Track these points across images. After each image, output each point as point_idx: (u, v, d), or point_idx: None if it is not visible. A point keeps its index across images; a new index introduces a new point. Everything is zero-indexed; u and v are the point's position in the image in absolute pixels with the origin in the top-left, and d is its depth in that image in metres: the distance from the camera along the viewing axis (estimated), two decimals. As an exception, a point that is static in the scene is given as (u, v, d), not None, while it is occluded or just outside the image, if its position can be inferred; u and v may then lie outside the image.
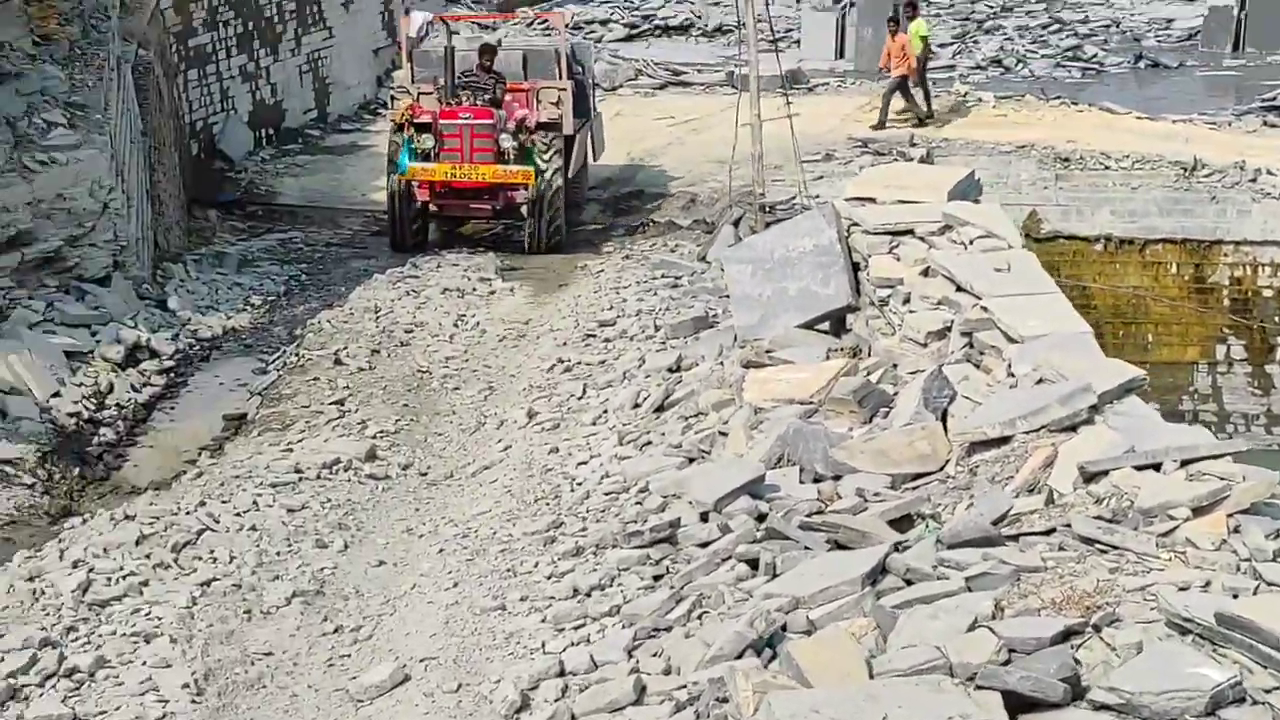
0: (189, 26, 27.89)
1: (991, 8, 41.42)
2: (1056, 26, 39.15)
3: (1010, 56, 36.80)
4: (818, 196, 22.23)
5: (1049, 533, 8.88)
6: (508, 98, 24.79)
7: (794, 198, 22.38)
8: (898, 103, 29.68)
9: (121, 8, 23.89)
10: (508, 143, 23.86)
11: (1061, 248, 26.61)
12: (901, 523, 9.80)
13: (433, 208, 24.56)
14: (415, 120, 24.21)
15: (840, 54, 36.07)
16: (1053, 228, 26.67)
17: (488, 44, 25.48)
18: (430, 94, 24.66)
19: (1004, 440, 10.31)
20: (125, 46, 22.67)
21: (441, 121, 24.09)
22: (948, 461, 10.64)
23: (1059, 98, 32.00)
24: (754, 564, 9.48)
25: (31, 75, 19.32)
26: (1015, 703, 6.92)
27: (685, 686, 8.18)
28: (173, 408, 17.45)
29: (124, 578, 11.01)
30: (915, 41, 29.84)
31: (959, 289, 12.77)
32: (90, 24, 21.15)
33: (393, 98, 25.70)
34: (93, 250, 18.84)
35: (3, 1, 19.24)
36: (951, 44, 37.92)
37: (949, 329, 12.52)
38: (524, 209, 24.06)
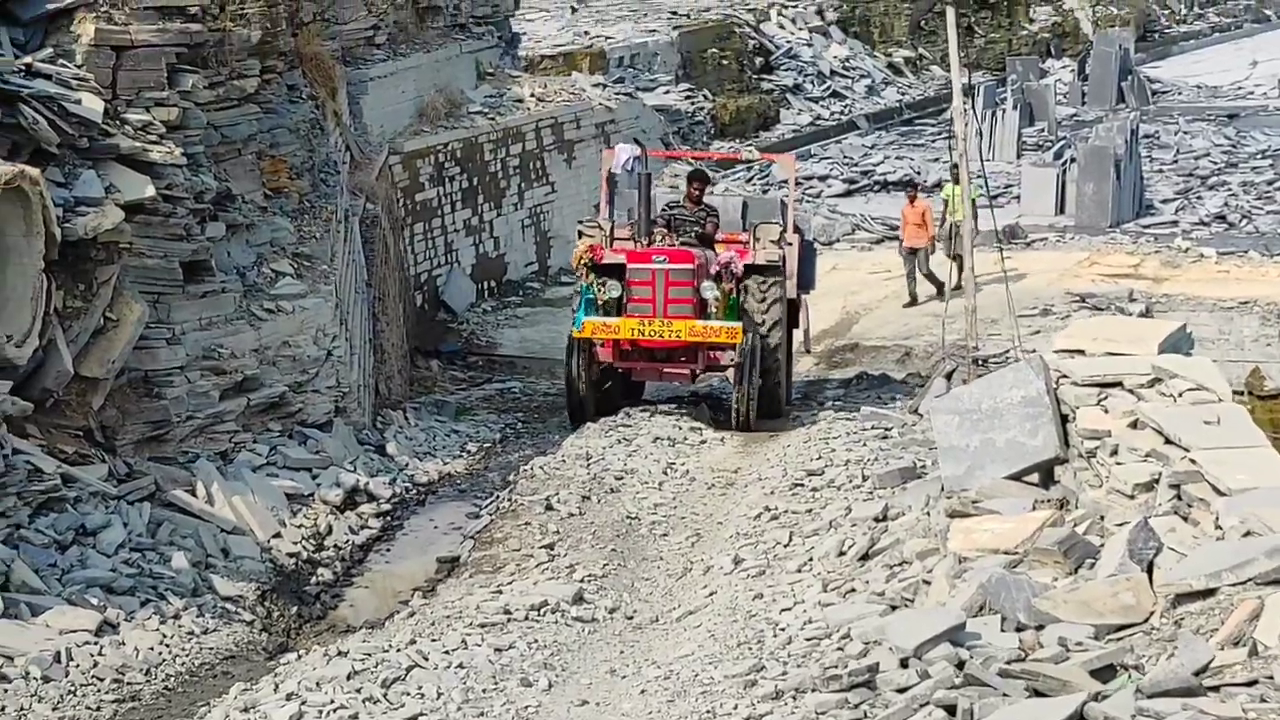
0: (415, 182, 28.77)
1: (1216, 164, 41.09)
2: (1283, 182, 38.73)
3: (1235, 212, 36.43)
4: (1034, 351, 22.18)
5: (1251, 684, 8.79)
6: (720, 237, 21.41)
7: (1008, 351, 22.33)
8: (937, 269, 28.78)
9: (351, 163, 24.75)
10: (710, 292, 20.39)
11: (1286, 405, 26.20)
12: (1104, 673, 9.71)
13: (619, 370, 21.11)
14: (597, 264, 20.79)
15: (1060, 209, 36.00)
16: (1276, 385, 26.27)
17: (699, 170, 22.75)
18: (627, 238, 21.33)
19: (1210, 593, 10.22)
20: (354, 200, 23.48)
21: (630, 266, 20.58)
22: (1152, 613, 10.55)
23: (1283, 254, 31.67)
24: (951, 710, 9.46)
25: (262, 227, 20.08)
26: None
27: (878, 830, 8.21)
28: (388, 549, 17.98)
29: (334, 711, 11.31)
30: (959, 206, 29.24)
31: (1168, 441, 12.68)
32: (320, 178, 21.94)
33: (580, 234, 21.88)
34: (315, 396, 19.44)
35: (238, 156, 20.02)
36: (1174, 199, 37.66)
37: (1157, 481, 12.42)
38: (730, 374, 20.64)
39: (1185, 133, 44.89)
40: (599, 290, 20.62)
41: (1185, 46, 63.12)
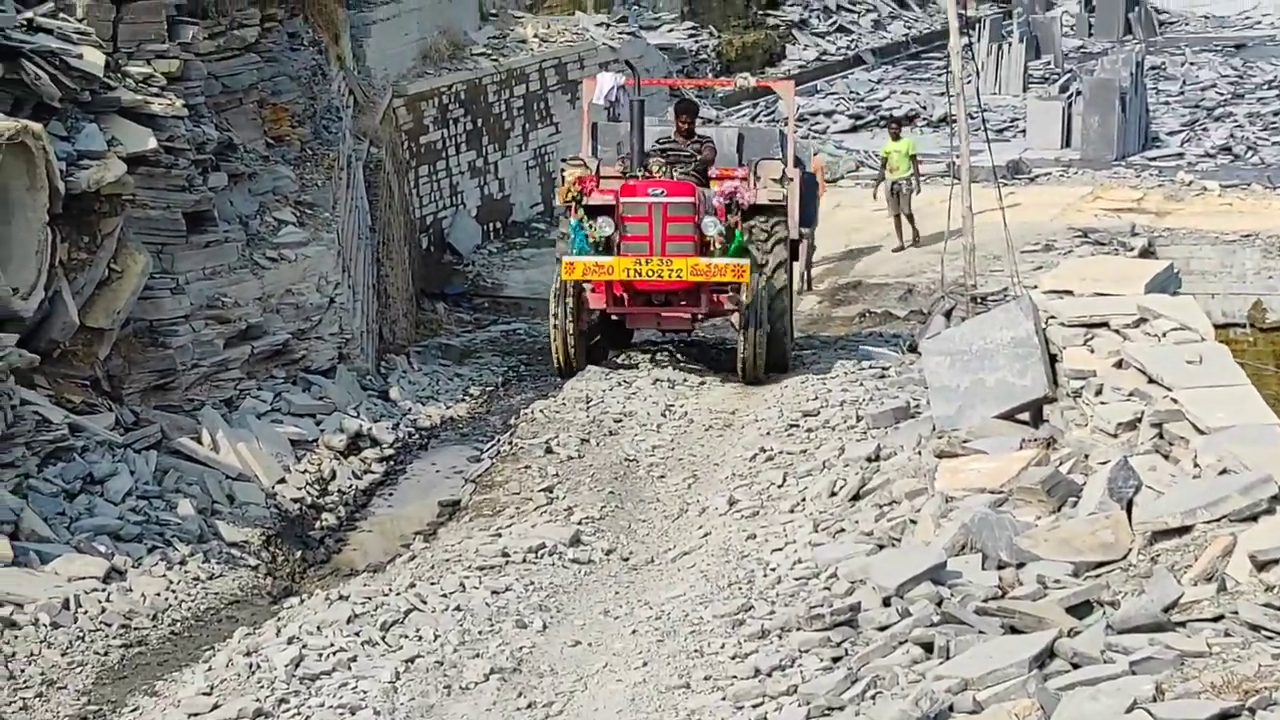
0: (420, 124, 28.91)
1: (1222, 95, 41.08)
2: (1290, 113, 38.73)
3: (1240, 144, 36.45)
4: (1036, 287, 22.29)
5: (1218, 619, 9.03)
6: (715, 173, 19.78)
7: (1006, 288, 22.50)
8: None
9: (355, 107, 24.91)
10: (713, 229, 18.75)
11: (1288, 337, 26.35)
12: (1080, 610, 9.96)
13: (613, 317, 19.69)
14: (586, 198, 18.89)
15: (1066, 143, 36.07)
16: (1278, 317, 26.42)
17: (687, 100, 20.94)
18: (616, 175, 19.47)
19: (1185, 530, 10.45)
20: (357, 145, 23.64)
21: (624, 200, 18.72)
22: (1130, 550, 10.78)
23: (1285, 185, 31.74)
24: (929, 647, 9.72)
25: (263, 175, 20.28)
26: (1161, 781, 7.12)
27: (851, 763, 8.47)
28: (391, 494, 18.26)
29: (334, 654, 11.59)
30: (903, 161, 28.70)
31: (1150, 380, 12.90)
32: (322, 124, 22.11)
33: (562, 175, 19.96)
34: (319, 343, 19.67)
35: (239, 106, 20.20)
36: (1180, 132, 37.70)
37: (1139, 420, 12.64)
38: (735, 319, 19.15)
39: (1192, 64, 44.90)
40: (589, 228, 18.84)
41: (1194, -24, 62.93)
